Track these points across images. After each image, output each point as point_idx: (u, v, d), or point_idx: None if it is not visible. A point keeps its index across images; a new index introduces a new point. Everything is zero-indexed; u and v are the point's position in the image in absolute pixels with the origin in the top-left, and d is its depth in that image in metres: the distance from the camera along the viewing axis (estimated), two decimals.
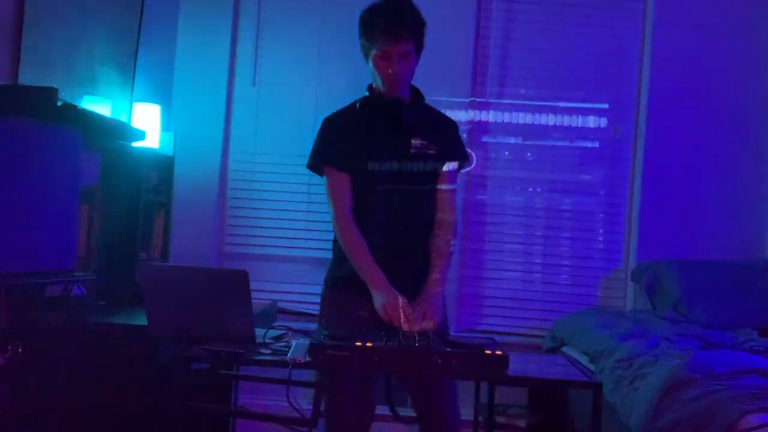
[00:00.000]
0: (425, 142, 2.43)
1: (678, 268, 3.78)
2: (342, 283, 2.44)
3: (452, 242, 2.45)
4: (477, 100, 4.10)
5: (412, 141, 2.42)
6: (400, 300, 2.28)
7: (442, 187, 2.48)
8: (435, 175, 2.47)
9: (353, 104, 2.51)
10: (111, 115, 3.27)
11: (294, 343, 2.27)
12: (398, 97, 2.43)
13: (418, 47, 2.41)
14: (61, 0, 2.96)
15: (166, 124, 3.82)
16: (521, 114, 4.10)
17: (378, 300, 2.30)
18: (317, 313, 4.04)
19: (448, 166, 2.47)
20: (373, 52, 2.38)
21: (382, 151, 2.41)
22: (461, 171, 2.57)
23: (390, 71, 2.37)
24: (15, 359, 2.40)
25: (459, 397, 2.49)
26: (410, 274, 2.42)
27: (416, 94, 2.51)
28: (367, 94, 2.49)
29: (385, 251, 2.41)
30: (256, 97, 4.14)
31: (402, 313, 2.26)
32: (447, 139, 2.50)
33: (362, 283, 2.38)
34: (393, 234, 2.43)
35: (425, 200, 2.47)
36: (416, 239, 2.45)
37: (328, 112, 4.08)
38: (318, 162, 2.49)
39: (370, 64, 2.41)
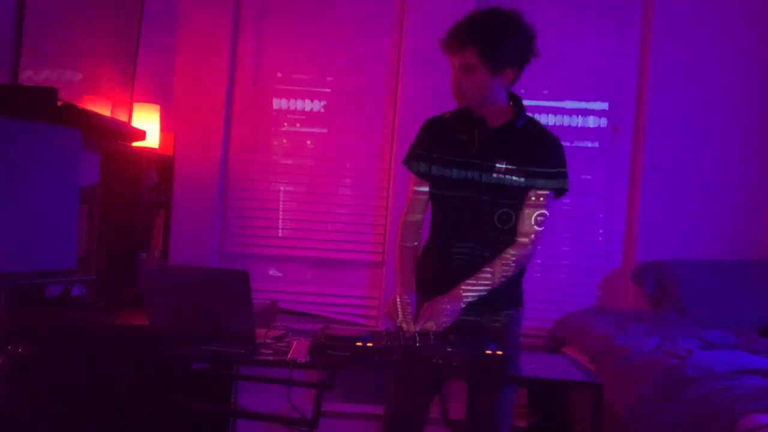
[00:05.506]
0: (511, 167, 2.31)
1: (678, 268, 3.78)
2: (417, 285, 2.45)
3: (498, 257, 2.34)
4: None
5: (497, 164, 2.32)
6: (398, 299, 2.28)
7: (525, 209, 2.35)
8: (517, 197, 2.35)
9: (452, 112, 2.42)
10: (111, 115, 3.27)
11: (294, 343, 2.28)
12: (483, 116, 2.33)
13: (492, 62, 2.25)
14: (61, 0, 2.96)
15: (166, 124, 3.82)
16: None
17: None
18: (317, 313, 4.09)
19: (537, 191, 2.34)
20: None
21: (461, 166, 2.35)
22: (558, 197, 2.39)
23: (453, 82, 2.31)
24: (15, 359, 2.40)
25: (511, 413, 2.45)
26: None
27: (516, 109, 2.37)
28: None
29: (444, 261, 2.39)
30: (256, 97, 4.14)
31: (400, 312, 2.26)
32: (540, 165, 2.33)
33: (424, 287, 2.38)
34: (456, 246, 2.38)
35: (499, 218, 2.36)
36: (479, 254, 2.36)
37: (328, 112, 4.15)
38: (405, 162, 2.49)
39: None
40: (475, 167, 2.34)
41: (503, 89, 2.34)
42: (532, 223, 2.35)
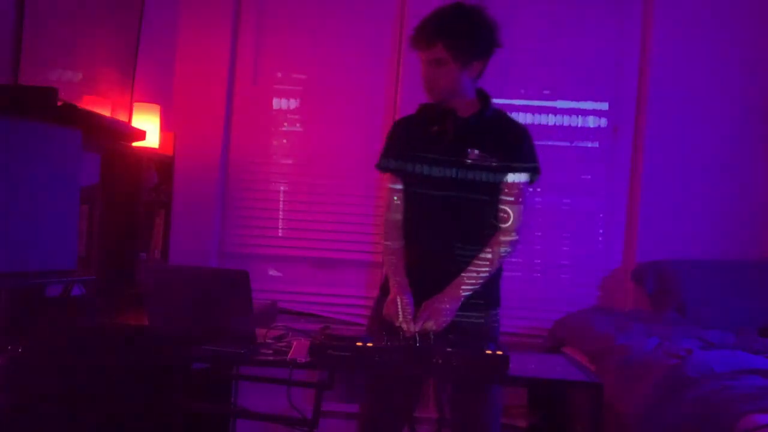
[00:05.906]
0: (485, 153, 2.36)
1: (678, 268, 3.78)
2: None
3: (489, 251, 2.36)
4: None
5: (470, 151, 2.36)
6: (398, 299, 2.28)
7: (502, 198, 2.39)
8: (493, 187, 2.39)
9: (421, 106, 2.48)
10: (111, 115, 3.27)
11: (294, 343, 2.28)
12: (452, 107, 2.39)
13: (459, 56, 2.32)
14: (61, 0, 2.96)
15: (166, 124, 3.82)
16: (521, 114, 4.10)
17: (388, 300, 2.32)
18: (317, 313, 4.09)
19: (511, 178, 2.38)
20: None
21: (434, 159, 2.38)
22: (531, 183, 2.44)
23: (424, 77, 2.36)
24: (15, 359, 2.40)
25: (500, 412, 2.48)
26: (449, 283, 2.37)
27: (483, 101, 2.44)
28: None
29: (426, 258, 2.40)
30: (256, 97, 4.13)
31: (400, 312, 2.26)
32: (512, 150, 2.39)
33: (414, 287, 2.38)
34: (435, 241, 2.40)
35: (479, 211, 2.40)
36: (460, 249, 2.39)
37: (328, 112, 4.14)
38: (378, 165, 2.52)
39: None
40: (449, 163, 2.37)
41: (470, 81, 2.41)
42: (512, 211, 2.39)
